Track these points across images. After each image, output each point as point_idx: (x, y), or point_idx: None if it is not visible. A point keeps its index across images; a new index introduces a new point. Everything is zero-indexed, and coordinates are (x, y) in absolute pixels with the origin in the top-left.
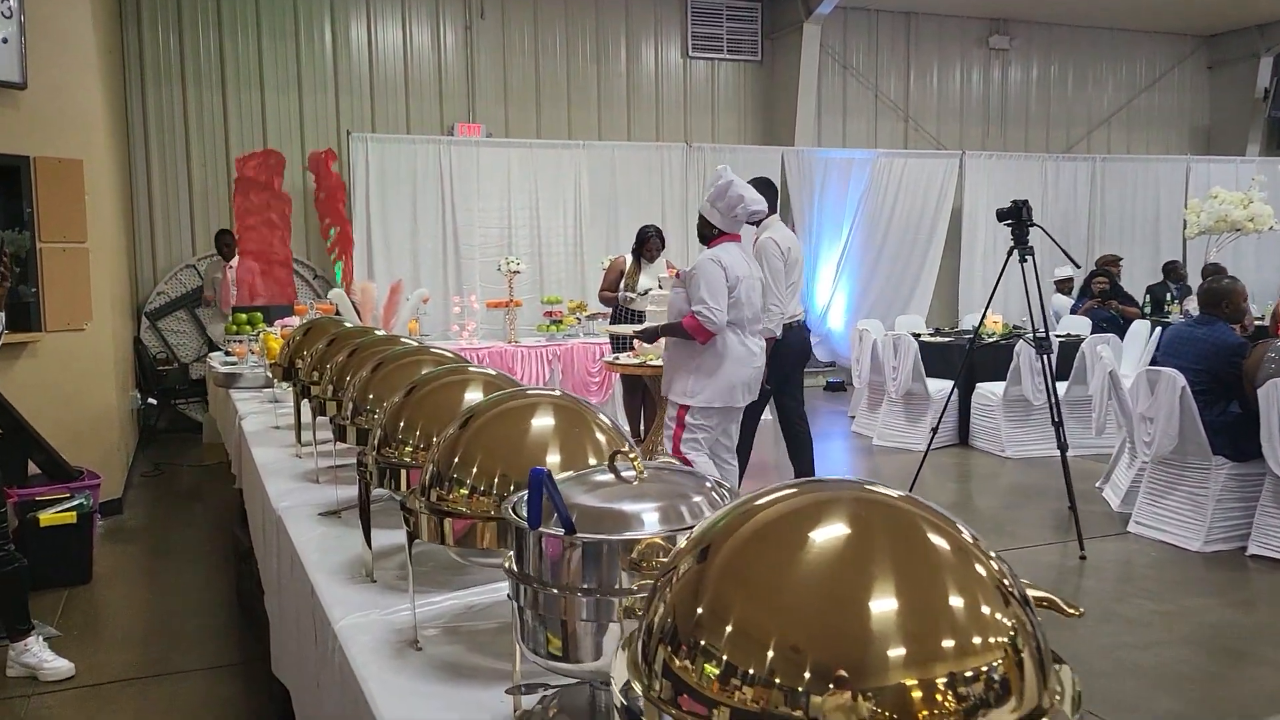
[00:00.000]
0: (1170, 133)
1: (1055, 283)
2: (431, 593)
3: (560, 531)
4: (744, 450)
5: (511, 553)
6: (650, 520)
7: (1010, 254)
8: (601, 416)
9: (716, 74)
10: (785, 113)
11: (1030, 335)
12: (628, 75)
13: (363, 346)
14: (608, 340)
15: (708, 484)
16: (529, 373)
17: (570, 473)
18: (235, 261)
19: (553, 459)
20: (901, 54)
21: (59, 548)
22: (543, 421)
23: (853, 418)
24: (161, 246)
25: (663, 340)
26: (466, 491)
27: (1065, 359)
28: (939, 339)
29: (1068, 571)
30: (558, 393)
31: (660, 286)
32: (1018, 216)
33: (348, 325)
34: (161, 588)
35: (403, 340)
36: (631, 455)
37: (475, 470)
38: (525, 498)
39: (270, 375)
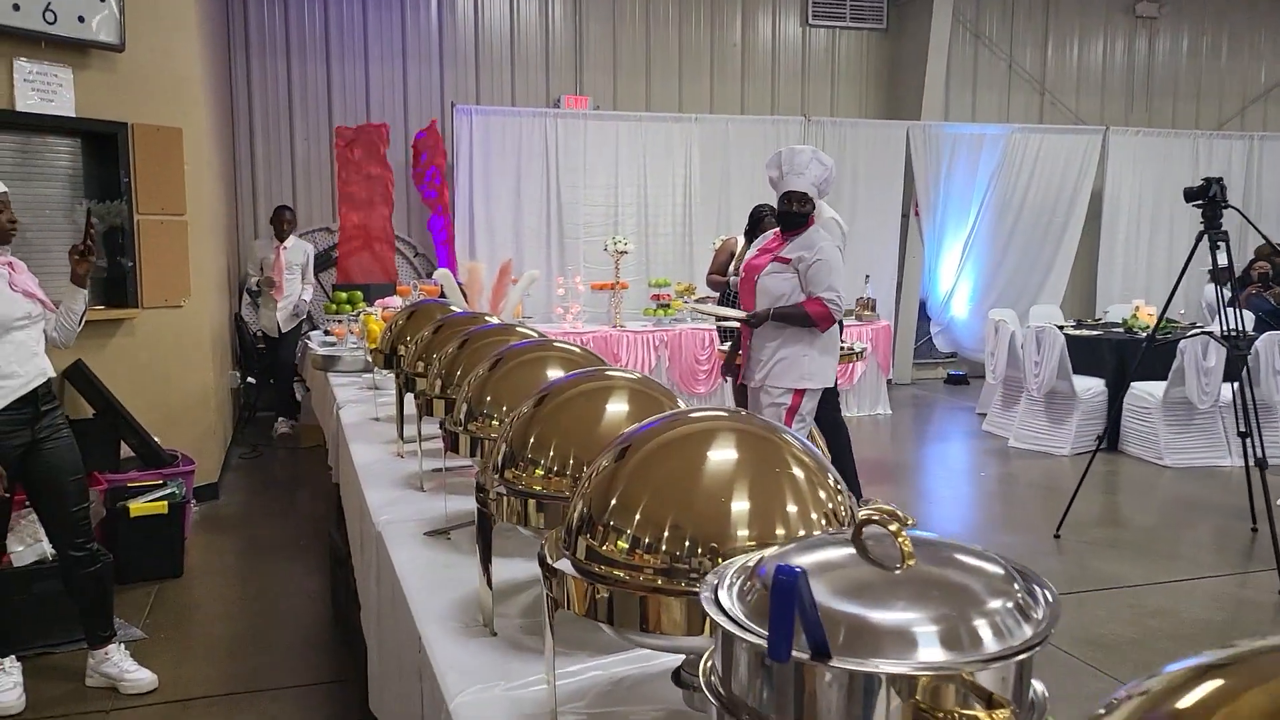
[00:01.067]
0: None
1: (1209, 271)
2: (567, 656)
3: (814, 657)
4: None
5: (708, 662)
6: (929, 637)
7: (1200, 239)
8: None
9: (837, 43)
10: (910, 85)
11: (1217, 332)
12: (743, 44)
13: (476, 337)
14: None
15: (992, 569)
16: (634, 359)
17: (788, 544)
18: (291, 242)
19: (759, 518)
20: (1039, 22)
21: (149, 539)
22: (748, 455)
23: (981, 415)
24: (264, 220)
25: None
26: (627, 546)
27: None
28: (1086, 332)
29: (1260, 608)
30: (742, 415)
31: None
32: (1209, 196)
33: (454, 309)
34: (254, 588)
35: (520, 329)
36: (891, 524)
37: (645, 522)
38: (741, 588)
39: (370, 360)
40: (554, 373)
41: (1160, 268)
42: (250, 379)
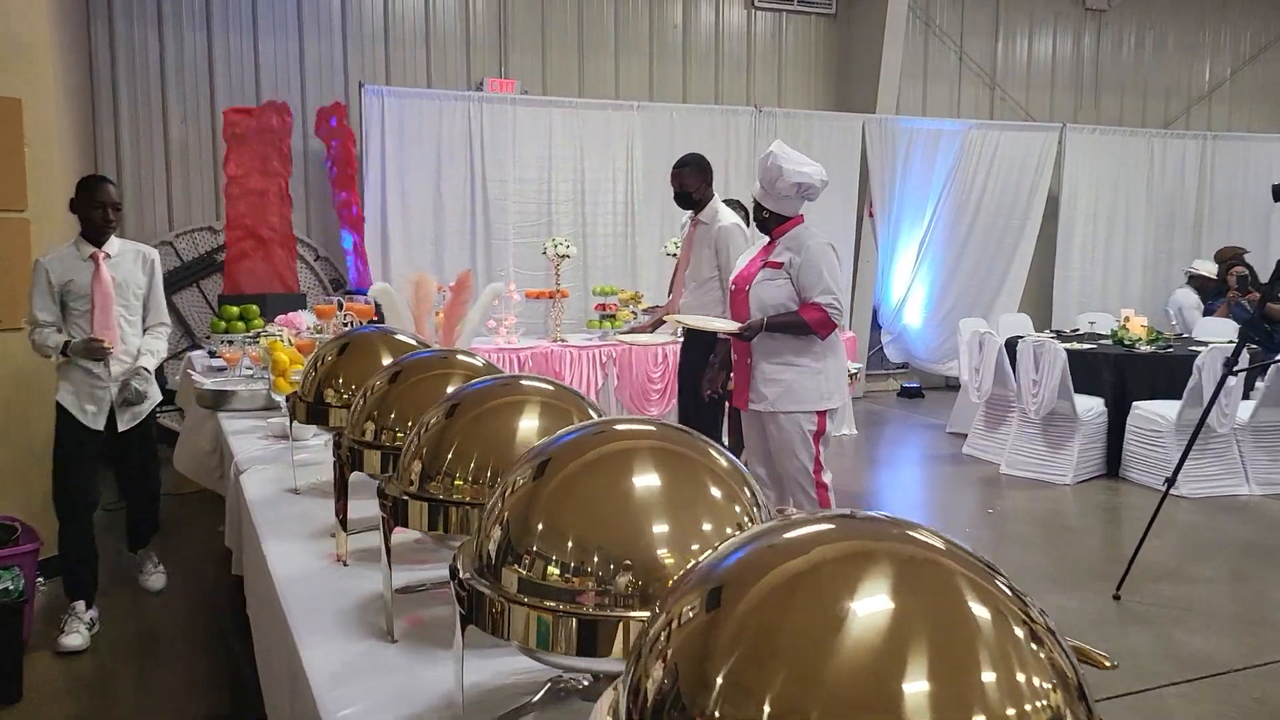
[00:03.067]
0: (1272, 110)
1: (1189, 276)
2: None
3: None
4: None
5: None
6: None
7: None
8: None
9: (785, 29)
10: (863, 75)
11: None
12: (685, 27)
13: (473, 400)
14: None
15: None
16: (578, 377)
17: None
18: (117, 246)
19: None
20: (989, 12)
21: None
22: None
23: (955, 435)
24: (132, 219)
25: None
26: (548, 568)
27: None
28: (1079, 346)
29: None
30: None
31: None
32: None
33: (405, 340)
34: (122, 711)
35: (538, 384)
36: None
37: (566, 544)
38: None
39: (278, 399)
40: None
41: (1116, 273)
42: None
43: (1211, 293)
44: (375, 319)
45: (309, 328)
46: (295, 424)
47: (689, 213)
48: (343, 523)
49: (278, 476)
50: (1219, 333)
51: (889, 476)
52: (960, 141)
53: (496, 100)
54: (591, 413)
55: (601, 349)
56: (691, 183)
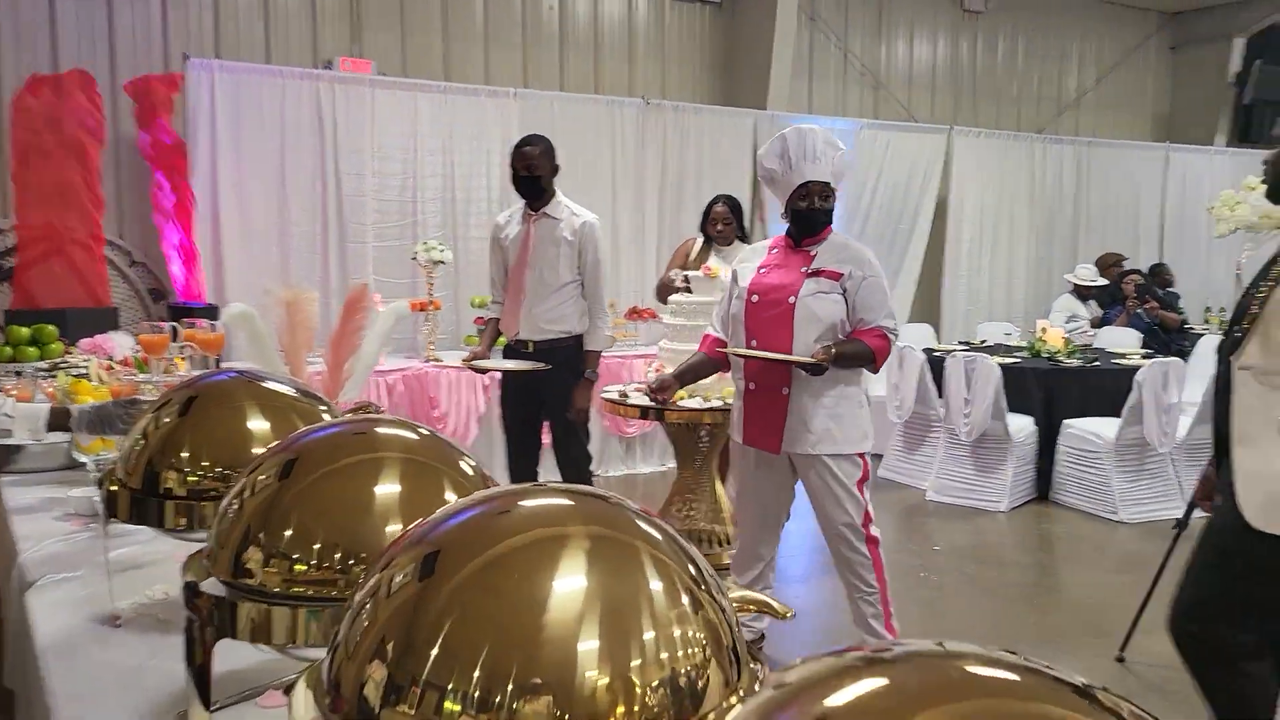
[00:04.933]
0: (1134, 119)
1: (1075, 285)
2: None
3: None
4: None
5: None
6: None
7: None
8: None
9: (667, 17)
10: (752, 70)
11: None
12: (560, 9)
13: (436, 542)
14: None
15: None
16: (457, 404)
17: None
18: None
19: None
20: (873, 10)
21: None
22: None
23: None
24: None
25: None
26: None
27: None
28: (1010, 360)
29: None
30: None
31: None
32: None
33: (278, 389)
34: None
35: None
36: None
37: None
38: None
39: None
40: None
41: (1000, 280)
42: None
43: (1105, 301)
44: (228, 359)
45: (128, 359)
46: (101, 482)
47: (510, 206)
48: (203, 696)
49: (86, 595)
50: (1123, 343)
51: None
52: (852, 141)
53: (351, 81)
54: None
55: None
56: (545, 168)
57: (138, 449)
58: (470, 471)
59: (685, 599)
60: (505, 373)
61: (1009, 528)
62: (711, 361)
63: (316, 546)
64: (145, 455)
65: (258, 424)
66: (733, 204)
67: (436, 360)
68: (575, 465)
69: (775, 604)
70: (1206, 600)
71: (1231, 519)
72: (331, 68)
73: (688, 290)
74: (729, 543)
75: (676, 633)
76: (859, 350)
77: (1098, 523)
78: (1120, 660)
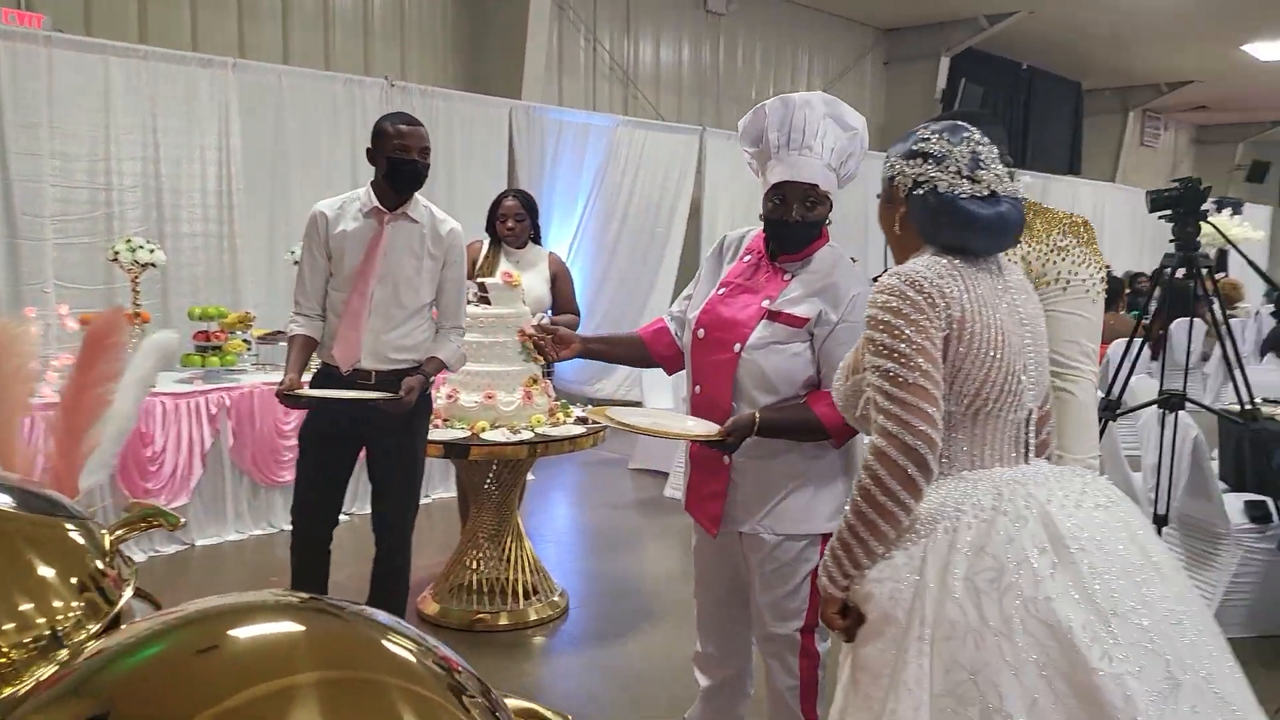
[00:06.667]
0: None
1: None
2: None
3: None
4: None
5: None
6: None
7: (1169, 267)
8: None
9: None
10: (504, 58)
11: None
12: None
13: None
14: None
15: None
16: (175, 437)
17: None
18: None
19: None
20: (621, 6)
21: None
22: None
23: (644, 473)
24: None
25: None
26: None
27: None
28: None
29: None
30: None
31: (484, 293)
32: (1192, 203)
33: None
34: None
35: None
36: None
37: None
38: None
39: None
40: None
41: None
42: None
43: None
44: None
45: None
46: None
47: (341, 204)
48: None
49: None
50: None
51: (610, 537)
52: (608, 138)
53: (20, 37)
54: None
55: (208, 395)
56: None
57: None
58: None
59: None
60: (323, 407)
61: None
62: (637, 343)
63: None
64: None
65: None
66: (525, 199)
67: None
68: (398, 530)
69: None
70: None
71: None
72: None
73: (485, 301)
74: (535, 593)
75: None
76: (800, 420)
77: None
78: None
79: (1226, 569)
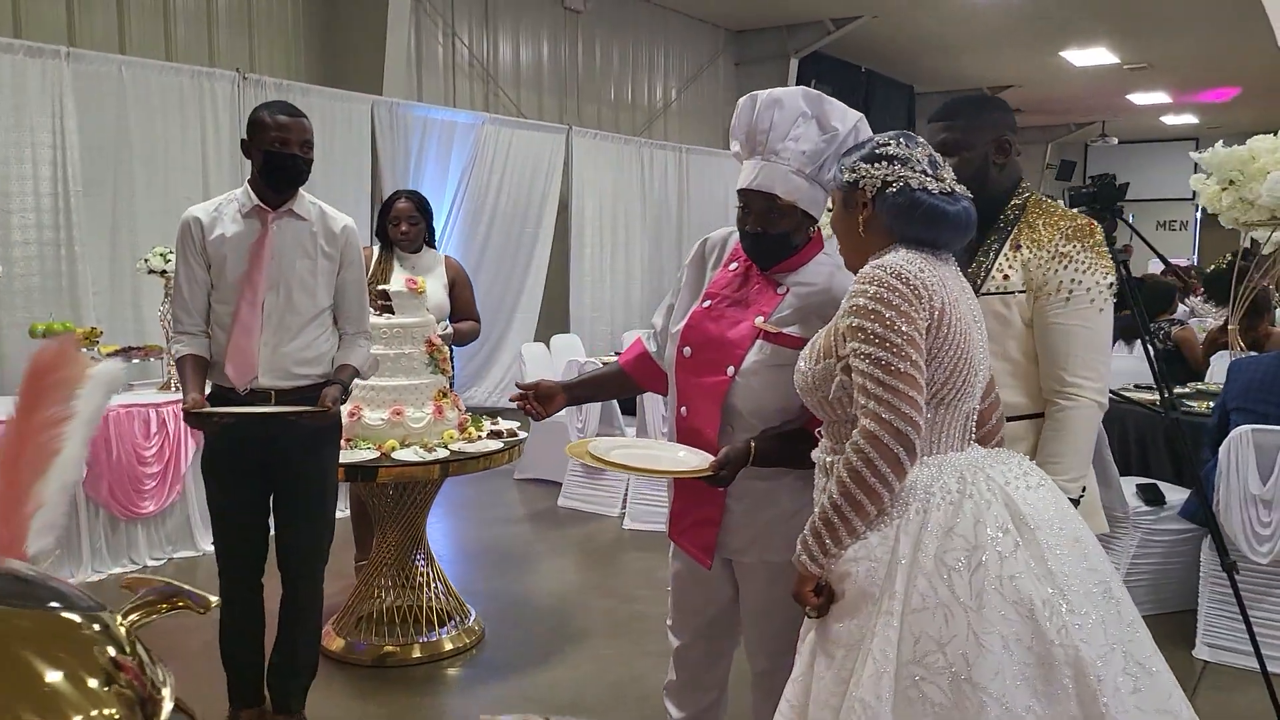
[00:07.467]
0: (713, 129)
1: None
2: None
3: None
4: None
5: None
6: None
7: None
8: None
9: None
10: (361, 52)
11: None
12: None
13: None
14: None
15: None
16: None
17: None
18: None
19: None
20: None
21: None
22: None
23: (536, 482)
24: None
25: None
26: None
27: None
28: None
29: None
30: None
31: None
32: (1107, 199)
33: None
34: None
35: None
36: None
37: None
38: None
39: None
40: None
41: (620, 284)
42: None
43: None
44: None
45: None
46: None
47: (217, 206)
48: None
49: None
50: None
51: (508, 554)
52: (474, 136)
53: None
54: None
55: None
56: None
57: None
58: None
59: None
60: (225, 429)
61: None
62: (622, 377)
63: None
64: None
65: None
66: (418, 200)
67: None
68: (310, 562)
69: None
70: None
71: None
72: None
73: (388, 311)
74: (448, 620)
75: None
76: (798, 449)
77: None
78: None
79: (1126, 551)
